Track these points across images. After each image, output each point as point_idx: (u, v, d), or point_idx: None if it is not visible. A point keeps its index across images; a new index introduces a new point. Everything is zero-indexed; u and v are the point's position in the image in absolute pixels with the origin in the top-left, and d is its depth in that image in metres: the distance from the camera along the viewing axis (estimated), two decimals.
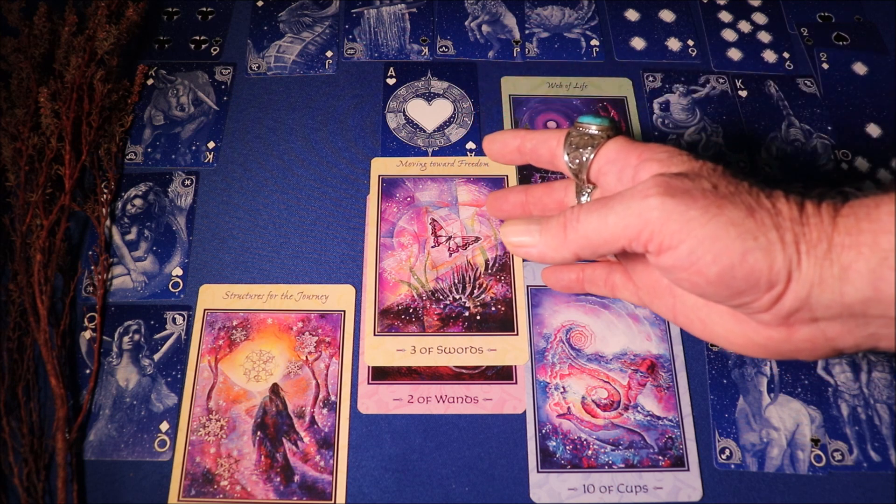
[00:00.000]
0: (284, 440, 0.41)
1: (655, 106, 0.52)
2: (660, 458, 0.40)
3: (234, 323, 0.44)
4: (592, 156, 0.33)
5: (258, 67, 0.54)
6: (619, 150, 0.33)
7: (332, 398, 0.42)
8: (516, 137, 0.37)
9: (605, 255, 0.33)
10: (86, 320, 0.44)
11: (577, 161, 0.34)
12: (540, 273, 0.41)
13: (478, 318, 0.44)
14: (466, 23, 0.56)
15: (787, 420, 0.41)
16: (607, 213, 0.29)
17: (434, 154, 0.50)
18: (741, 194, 0.28)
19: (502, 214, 0.42)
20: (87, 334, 0.43)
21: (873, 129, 0.51)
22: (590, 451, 0.40)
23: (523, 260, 0.46)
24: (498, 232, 0.47)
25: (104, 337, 0.43)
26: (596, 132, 0.34)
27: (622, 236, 0.29)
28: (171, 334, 0.44)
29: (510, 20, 0.56)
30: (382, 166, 0.49)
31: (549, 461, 0.40)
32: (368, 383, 0.42)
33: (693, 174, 0.29)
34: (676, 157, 0.31)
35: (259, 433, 0.41)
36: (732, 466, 0.40)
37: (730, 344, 0.32)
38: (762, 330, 0.30)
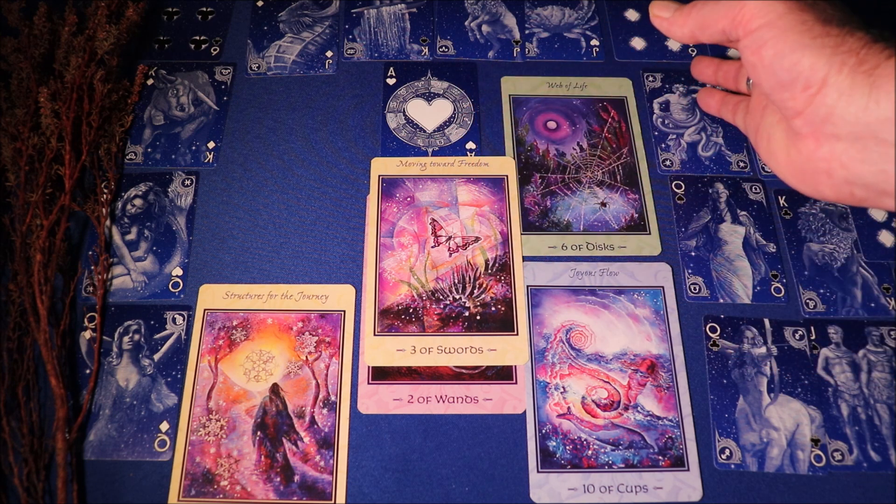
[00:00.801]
0: (284, 440, 0.41)
1: (655, 106, 0.52)
2: (660, 458, 0.40)
3: (234, 323, 0.44)
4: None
5: (258, 67, 0.54)
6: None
7: (332, 398, 0.42)
8: (712, 61, 0.49)
9: (712, 36, 0.39)
10: (86, 320, 0.44)
11: None
12: (702, 98, 0.51)
13: (478, 318, 0.44)
14: (466, 23, 0.56)
15: (787, 420, 0.41)
16: (718, 1, 0.37)
17: (434, 154, 0.50)
18: (830, 10, 0.33)
19: (704, 74, 0.50)
20: (87, 334, 0.43)
21: None
22: (590, 451, 0.40)
23: (524, 258, 0.46)
24: (498, 233, 0.47)
25: (104, 337, 0.43)
26: None
27: (724, 16, 0.36)
28: (171, 334, 0.44)
29: (510, 20, 0.56)
30: (382, 166, 0.49)
31: (549, 461, 0.40)
32: (368, 383, 0.42)
33: None
34: None
35: (259, 433, 0.41)
36: (732, 466, 0.40)
37: (777, 161, 0.39)
38: (797, 143, 0.36)
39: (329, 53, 0.55)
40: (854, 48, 0.31)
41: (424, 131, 0.51)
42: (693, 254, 0.46)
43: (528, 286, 0.45)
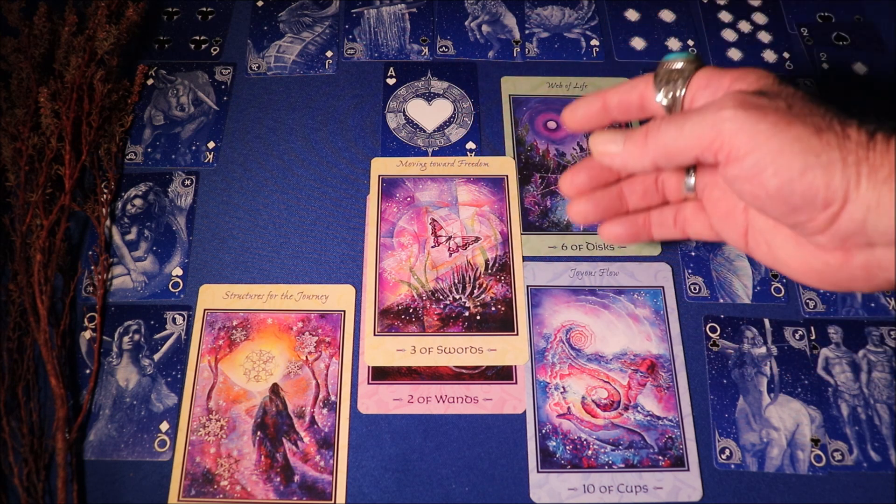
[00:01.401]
0: (284, 440, 0.41)
1: None
2: (660, 458, 0.40)
3: (234, 323, 0.44)
4: (684, 88, 0.34)
5: (258, 67, 0.54)
6: (710, 77, 0.33)
7: (332, 398, 0.42)
8: (597, 98, 0.37)
9: (680, 165, 0.34)
10: (86, 320, 0.44)
11: (671, 95, 0.34)
12: (598, 230, 0.40)
13: (478, 318, 0.44)
14: (466, 23, 0.56)
15: (787, 420, 0.41)
16: (684, 123, 0.31)
17: (434, 154, 0.50)
18: (813, 116, 0.29)
19: (580, 125, 0.39)
20: (87, 334, 0.43)
21: None
22: (590, 451, 0.40)
23: (524, 258, 0.46)
24: (498, 233, 0.47)
25: (104, 337, 0.43)
26: (683, 66, 0.34)
27: (696, 145, 0.31)
28: (171, 334, 0.44)
29: (510, 20, 0.56)
30: (382, 166, 0.49)
31: (549, 461, 0.40)
32: (368, 383, 0.42)
33: (772, 93, 0.30)
34: (764, 79, 0.32)
35: (259, 433, 0.41)
36: (732, 466, 0.40)
37: (790, 270, 0.33)
38: (820, 255, 0.31)
39: (329, 53, 0.55)
40: (860, 155, 0.28)
41: (424, 131, 0.51)
42: (693, 254, 0.46)
43: (528, 286, 0.45)
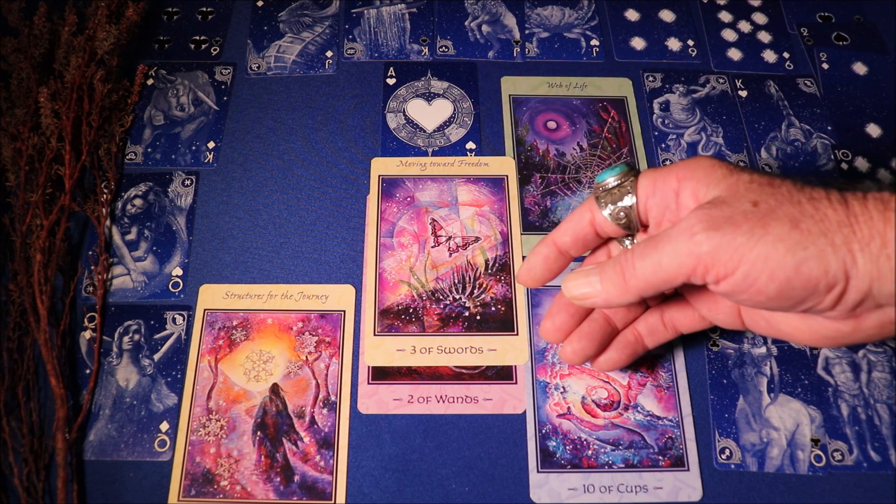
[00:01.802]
0: (284, 440, 0.41)
1: (655, 106, 0.52)
2: (660, 458, 0.40)
3: (234, 323, 0.44)
4: (634, 200, 0.33)
5: (258, 67, 0.54)
6: (654, 182, 0.32)
7: (332, 398, 0.42)
8: (546, 245, 0.36)
9: (667, 291, 0.34)
10: (86, 320, 0.44)
11: (623, 214, 0.33)
12: (593, 364, 0.39)
13: (478, 318, 0.44)
14: (466, 23, 0.56)
15: (787, 420, 0.41)
16: (660, 257, 0.30)
17: (434, 154, 0.50)
18: (783, 206, 0.28)
19: (542, 280, 0.38)
20: (87, 334, 0.43)
21: (873, 129, 0.51)
22: (590, 451, 0.40)
23: (524, 258, 0.46)
24: (498, 233, 0.47)
25: (104, 337, 0.43)
26: (620, 180, 0.34)
27: (679, 274, 0.30)
28: (171, 334, 0.44)
29: (510, 20, 0.56)
30: (382, 166, 0.49)
31: (549, 461, 0.40)
32: (368, 383, 0.42)
33: (731, 195, 0.30)
34: (714, 173, 0.31)
35: (259, 433, 0.41)
36: (732, 466, 0.40)
37: (797, 340, 0.33)
38: (830, 325, 0.31)
39: (329, 53, 0.55)
40: (845, 234, 0.27)
41: (424, 131, 0.51)
42: None
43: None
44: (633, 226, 0.34)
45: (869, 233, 0.27)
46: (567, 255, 0.36)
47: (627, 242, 0.35)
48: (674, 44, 0.56)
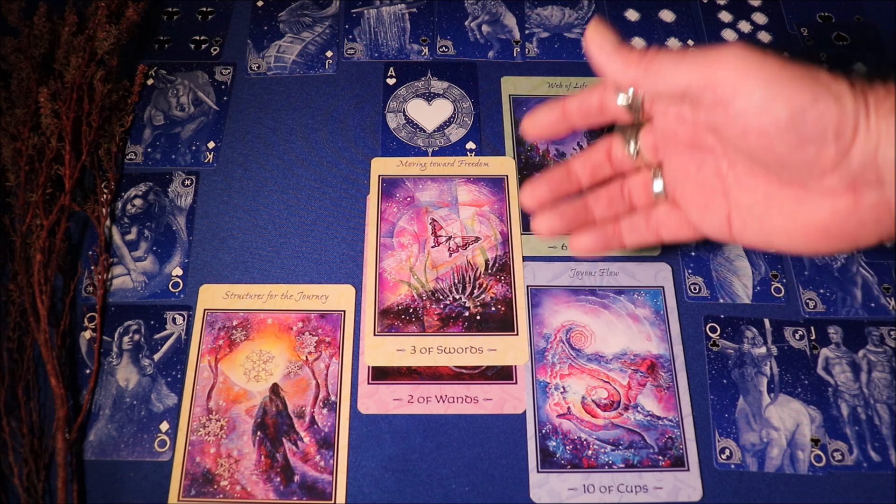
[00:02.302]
0: (284, 440, 0.41)
1: None
2: (660, 458, 0.40)
3: (234, 323, 0.44)
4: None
5: (258, 67, 0.54)
6: None
7: (332, 398, 0.42)
8: (556, 105, 0.37)
9: (662, 94, 0.33)
10: (86, 320, 0.44)
11: (630, 97, 0.34)
12: (568, 244, 0.39)
13: (478, 318, 0.44)
14: (466, 23, 0.56)
15: (787, 420, 0.41)
16: (683, 55, 0.30)
17: (434, 154, 0.50)
18: (812, 65, 0.29)
19: (540, 132, 0.38)
20: (87, 334, 0.43)
21: None
22: (590, 451, 0.40)
23: (524, 258, 0.46)
24: (498, 233, 0.47)
25: (104, 337, 0.43)
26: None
27: (692, 80, 0.30)
28: (171, 334, 0.44)
29: (510, 20, 0.56)
30: (382, 166, 0.49)
31: (549, 461, 0.40)
32: (368, 383, 0.42)
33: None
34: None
35: (259, 433, 0.41)
36: (732, 466, 0.40)
37: (788, 237, 0.32)
38: (826, 203, 0.30)
39: (329, 53, 0.55)
40: (864, 88, 0.28)
41: (424, 131, 0.51)
42: (693, 254, 0.46)
43: (528, 286, 0.45)
44: (636, 111, 0.34)
45: (884, 96, 0.28)
46: (569, 119, 0.37)
47: (632, 146, 0.36)
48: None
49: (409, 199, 0.48)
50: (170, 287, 0.45)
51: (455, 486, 0.40)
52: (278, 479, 0.40)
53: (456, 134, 0.51)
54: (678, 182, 0.36)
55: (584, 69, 0.54)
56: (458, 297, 0.45)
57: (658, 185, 0.36)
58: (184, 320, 0.44)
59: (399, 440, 0.41)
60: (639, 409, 0.42)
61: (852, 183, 0.29)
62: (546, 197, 0.38)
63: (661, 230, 0.38)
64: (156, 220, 0.47)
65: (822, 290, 0.45)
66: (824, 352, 0.43)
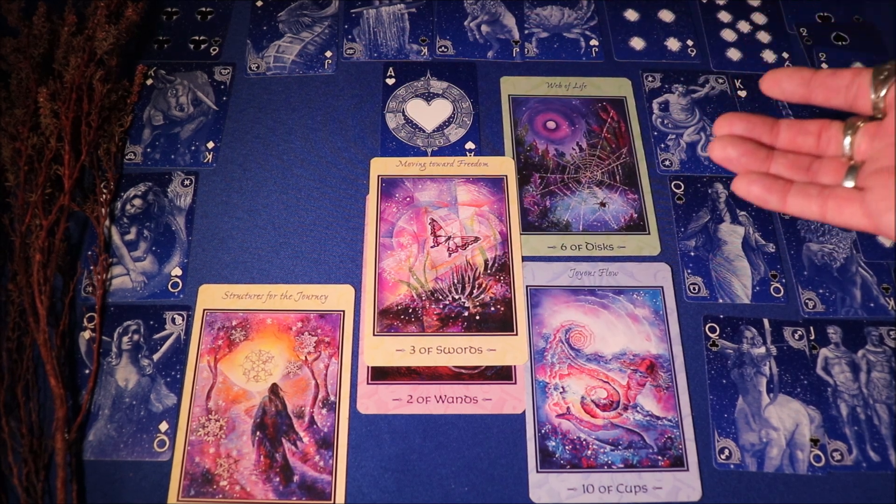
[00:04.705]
0: (284, 440, 0.41)
1: (655, 106, 0.52)
2: (659, 458, 0.40)
3: (234, 323, 0.44)
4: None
5: (257, 67, 0.54)
6: None
7: (332, 398, 0.42)
8: (803, 71, 0.35)
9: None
10: (85, 320, 0.44)
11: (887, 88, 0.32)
12: (732, 184, 0.36)
13: (477, 318, 0.44)
14: (466, 23, 0.56)
15: (787, 420, 0.41)
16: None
17: (433, 154, 0.50)
18: None
19: (777, 92, 0.36)
20: (87, 334, 0.43)
21: None
22: (589, 451, 0.40)
23: (523, 258, 0.46)
24: (497, 233, 0.47)
25: (103, 337, 0.43)
26: None
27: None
28: (171, 334, 0.44)
29: (509, 20, 0.56)
30: (382, 166, 0.49)
31: (548, 461, 0.40)
32: (368, 383, 0.42)
33: None
34: None
35: (258, 433, 0.41)
36: (732, 466, 0.40)
37: None
38: None
39: (328, 53, 0.55)
40: None
41: (424, 131, 0.51)
42: (692, 254, 0.46)
43: (527, 286, 0.45)
44: (878, 106, 0.33)
45: None
46: (810, 90, 0.35)
47: (847, 143, 0.34)
48: (673, 44, 0.56)
49: (408, 199, 0.48)
50: (169, 287, 0.45)
51: (455, 486, 0.40)
52: (278, 479, 0.40)
53: (455, 134, 0.51)
54: (876, 171, 0.33)
55: (583, 69, 0.54)
56: (457, 297, 0.45)
57: (850, 183, 0.34)
58: (183, 320, 0.44)
59: (398, 440, 0.41)
60: (638, 409, 0.42)
61: None
62: (739, 132, 0.36)
63: (830, 208, 0.34)
64: (155, 220, 0.47)
65: (821, 291, 0.45)
66: (823, 352, 0.43)
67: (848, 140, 0.34)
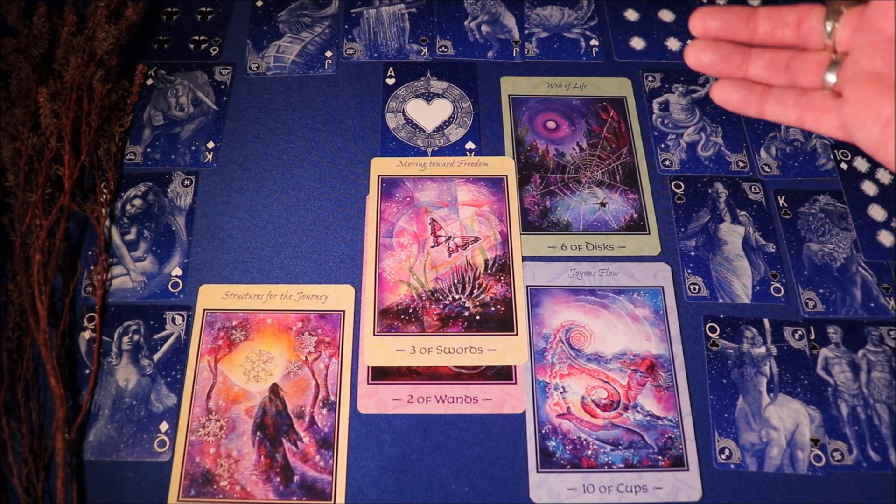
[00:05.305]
0: (284, 440, 0.41)
1: (655, 106, 0.52)
2: (659, 458, 0.40)
3: (234, 323, 0.44)
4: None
5: (258, 67, 0.54)
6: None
7: (332, 398, 0.42)
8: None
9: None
10: (85, 320, 0.44)
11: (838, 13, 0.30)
12: (710, 90, 0.35)
13: (477, 318, 0.44)
14: (466, 23, 0.56)
15: (787, 420, 0.41)
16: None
17: (433, 154, 0.50)
18: None
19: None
20: (87, 334, 0.43)
21: None
22: (589, 451, 0.40)
23: (523, 258, 0.46)
24: (497, 233, 0.47)
25: (104, 337, 0.43)
26: None
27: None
28: (171, 334, 0.44)
29: (509, 20, 0.56)
30: (382, 166, 0.49)
31: (548, 461, 0.40)
32: (368, 383, 0.42)
33: None
34: None
35: (259, 433, 0.41)
36: (732, 466, 0.40)
37: None
38: None
39: (328, 53, 0.55)
40: None
41: (424, 131, 0.51)
42: (693, 254, 0.46)
43: (527, 286, 0.45)
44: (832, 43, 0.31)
45: None
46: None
47: (828, 28, 0.32)
48: (673, 44, 0.56)
49: (408, 199, 0.48)
50: (169, 287, 0.45)
51: (455, 486, 0.40)
52: (278, 479, 0.40)
53: (455, 134, 0.51)
54: (855, 72, 0.31)
55: (583, 69, 0.54)
56: (457, 297, 0.45)
57: (832, 77, 0.32)
58: (183, 320, 0.44)
59: (399, 440, 0.41)
60: (638, 409, 0.42)
61: None
62: (715, 30, 0.34)
63: (808, 114, 0.33)
64: (155, 220, 0.47)
65: (821, 290, 0.45)
66: (824, 352, 0.43)
67: (829, 27, 0.32)
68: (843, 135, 0.32)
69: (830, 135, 0.32)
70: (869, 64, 0.31)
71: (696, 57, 0.34)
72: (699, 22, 0.34)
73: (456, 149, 0.50)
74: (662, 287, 0.45)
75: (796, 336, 0.44)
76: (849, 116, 0.31)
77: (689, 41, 0.35)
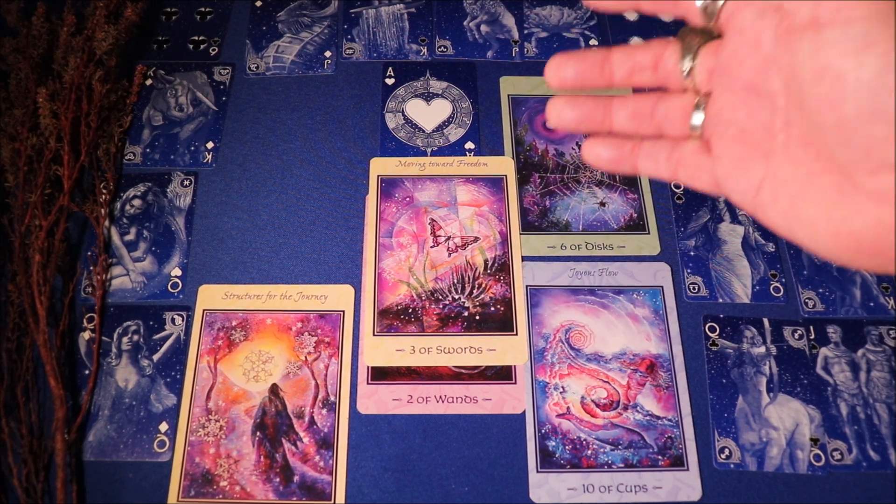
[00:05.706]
0: (284, 440, 0.40)
1: None
2: (659, 457, 0.40)
3: (234, 323, 0.44)
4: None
5: (257, 67, 0.54)
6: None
7: (332, 398, 0.42)
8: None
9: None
10: (85, 321, 0.44)
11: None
12: (581, 149, 0.33)
13: (477, 318, 0.44)
14: (465, 23, 0.56)
15: (787, 419, 0.41)
16: None
17: (433, 154, 0.50)
18: None
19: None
20: (87, 335, 0.43)
21: None
22: (589, 451, 0.40)
23: (523, 258, 0.46)
24: (497, 232, 0.47)
25: (103, 337, 0.43)
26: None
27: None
28: (171, 335, 0.44)
29: (509, 20, 0.56)
30: (381, 166, 0.49)
31: (548, 461, 0.40)
32: (368, 383, 0.42)
33: None
34: None
35: (258, 433, 0.41)
36: (732, 466, 0.40)
37: (814, 233, 0.26)
38: (870, 210, 0.24)
39: (328, 53, 0.55)
40: None
41: (423, 131, 0.51)
42: (692, 253, 0.46)
43: (527, 286, 0.45)
44: (712, 11, 0.28)
45: None
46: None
47: (687, 62, 0.29)
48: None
49: (408, 199, 0.48)
50: (169, 287, 0.45)
51: (455, 486, 0.40)
52: (278, 479, 0.40)
53: (455, 134, 0.51)
54: (720, 124, 0.29)
55: None
56: (457, 297, 0.45)
57: (698, 118, 0.30)
58: (183, 321, 0.44)
59: (398, 440, 0.41)
60: (638, 408, 0.42)
61: None
62: (571, 80, 0.32)
63: (681, 171, 0.31)
64: (155, 220, 0.47)
65: (821, 290, 0.45)
66: (823, 351, 0.43)
67: (686, 66, 0.30)
68: (719, 192, 0.30)
69: (707, 192, 0.30)
70: (731, 114, 0.29)
71: (557, 115, 0.32)
72: (555, 74, 0.31)
73: (455, 149, 0.50)
74: (662, 287, 0.45)
75: (796, 336, 0.44)
76: (721, 177, 0.29)
77: (549, 101, 0.32)
